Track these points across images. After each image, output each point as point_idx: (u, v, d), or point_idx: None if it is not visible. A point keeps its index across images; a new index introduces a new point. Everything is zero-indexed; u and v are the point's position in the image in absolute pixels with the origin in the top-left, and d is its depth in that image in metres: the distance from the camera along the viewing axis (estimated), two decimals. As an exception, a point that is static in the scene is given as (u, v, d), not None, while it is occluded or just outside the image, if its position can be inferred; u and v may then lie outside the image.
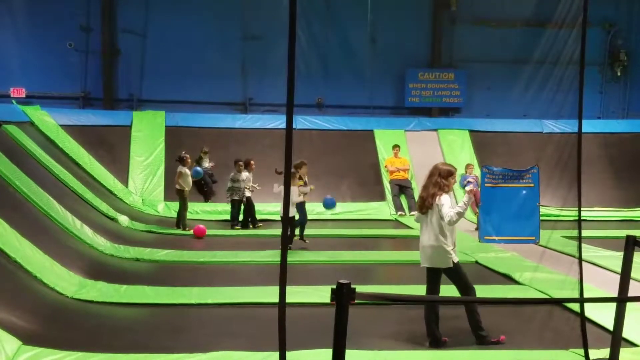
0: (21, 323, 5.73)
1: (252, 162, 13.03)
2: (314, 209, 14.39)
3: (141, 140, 15.48)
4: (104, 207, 12.14)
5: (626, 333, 5.19)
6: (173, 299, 7.17)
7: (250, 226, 12.65)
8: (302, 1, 3.54)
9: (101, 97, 17.86)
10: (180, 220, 12.18)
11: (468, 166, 15.40)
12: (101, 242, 9.76)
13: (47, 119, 14.63)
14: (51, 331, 5.84)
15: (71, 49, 17.66)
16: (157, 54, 17.80)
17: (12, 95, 16.91)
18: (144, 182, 14.67)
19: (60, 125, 14.74)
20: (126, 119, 16.00)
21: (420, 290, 7.78)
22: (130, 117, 16.07)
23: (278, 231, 11.08)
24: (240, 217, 12.81)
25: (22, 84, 17.28)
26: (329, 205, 13.21)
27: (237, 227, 12.59)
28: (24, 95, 17.11)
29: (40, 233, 8.45)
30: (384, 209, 14.96)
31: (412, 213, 14.73)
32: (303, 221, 10.70)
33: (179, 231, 11.98)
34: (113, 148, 15.11)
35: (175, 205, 13.20)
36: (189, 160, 12.49)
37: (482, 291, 7.73)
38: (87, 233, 9.78)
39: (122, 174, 14.73)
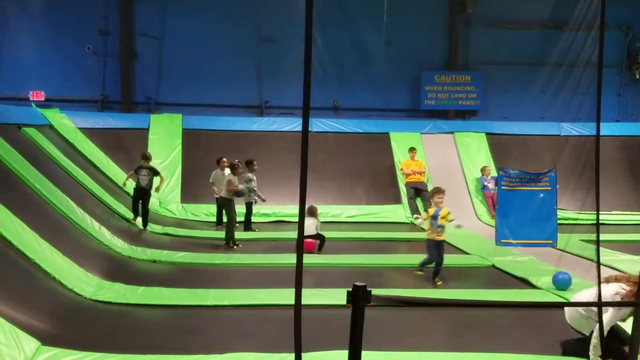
0: (40, 324, 5.79)
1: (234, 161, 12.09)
2: (329, 212, 14.44)
3: (158, 142, 15.59)
4: (121, 209, 12.23)
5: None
6: (189, 300, 7.21)
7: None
8: (318, 4, 3.56)
9: (119, 100, 18.03)
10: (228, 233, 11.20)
11: (484, 169, 15.34)
12: (119, 244, 9.84)
13: (65, 122, 14.79)
14: (69, 332, 5.90)
15: (89, 52, 17.84)
16: (174, 57, 17.92)
17: (31, 99, 17.09)
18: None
19: (79, 128, 14.89)
20: (144, 121, 16.14)
21: (434, 293, 7.79)
22: (147, 120, 16.20)
23: (292, 234, 11.09)
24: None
25: (41, 87, 17.48)
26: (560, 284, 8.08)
27: (255, 230, 12.57)
28: (43, 99, 17.30)
29: (59, 234, 8.54)
30: (399, 212, 14.93)
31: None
32: (439, 262, 8.59)
33: (197, 233, 12.03)
34: (131, 151, 15.21)
35: (191, 208, 13.30)
36: (240, 170, 11.89)
37: (499, 295, 7.72)
38: (105, 235, 9.87)
39: (140, 176, 14.82)
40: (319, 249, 10.60)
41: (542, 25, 17.90)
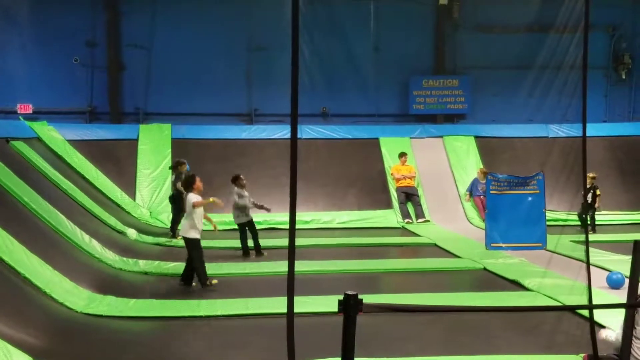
0: (31, 338, 5.75)
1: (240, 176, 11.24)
2: (321, 218, 14.45)
3: (148, 153, 15.53)
4: (112, 220, 12.18)
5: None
6: (182, 311, 7.18)
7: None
8: (305, 13, 3.57)
9: (107, 112, 17.94)
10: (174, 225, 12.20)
11: (481, 170, 15.13)
12: (110, 256, 9.78)
13: (54, 135, 14.71)
14: (61, 346, 5.86)
15: (77, 64, 17.75)
16: (162, 67, 17.87)
17: (19, 112, 16.98)
18: (151, 195, 14.69)
19: (67, 140, 14.81)
20: (132, 132, 16.08)
21: (427, 298, 7.80)
22: (136, 130, 16.14)
23: (284, 242, 11.01)
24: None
25: (28, 100, 17.38)
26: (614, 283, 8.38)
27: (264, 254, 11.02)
28: (30, 111, 17.18)
29: (49, 248, 8.49)
30: (390, 217, 14.94)
31: (419, 220, 14.73)
32: None
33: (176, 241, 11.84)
34: (120, 161, 15.16)
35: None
36: (183, 168, 12.50)
37: (491, 298, 7.75)
38: (95, 247, 9.81)
39: (130, 187, 14.76)
40: None
41: (528, 28, 18.00)
